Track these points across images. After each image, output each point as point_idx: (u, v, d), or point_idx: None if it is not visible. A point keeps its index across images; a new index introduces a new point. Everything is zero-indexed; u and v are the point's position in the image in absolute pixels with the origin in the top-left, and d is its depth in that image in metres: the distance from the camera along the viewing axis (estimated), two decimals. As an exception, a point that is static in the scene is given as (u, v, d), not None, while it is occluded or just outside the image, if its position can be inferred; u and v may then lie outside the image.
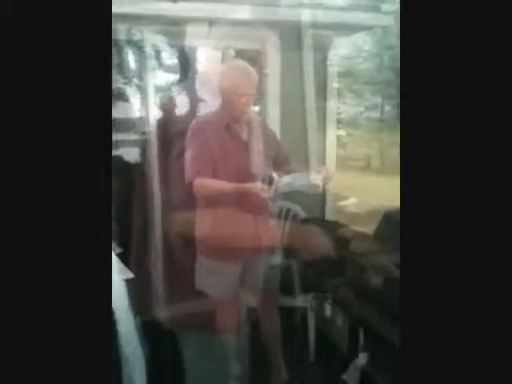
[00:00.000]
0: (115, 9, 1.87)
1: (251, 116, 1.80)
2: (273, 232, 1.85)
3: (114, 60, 2.92)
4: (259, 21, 2.32)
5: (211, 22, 2.23)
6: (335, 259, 2.00)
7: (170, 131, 2.59)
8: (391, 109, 10.95)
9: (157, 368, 1.39)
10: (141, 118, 2.59)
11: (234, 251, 1.79)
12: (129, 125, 3.03)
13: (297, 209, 2.40)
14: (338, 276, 2.01)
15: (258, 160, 1.75)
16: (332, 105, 2.84)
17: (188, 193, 1.75)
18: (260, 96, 2.53)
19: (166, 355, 1.87)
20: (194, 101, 3.35)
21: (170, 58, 3.37)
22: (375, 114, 11.32)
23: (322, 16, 2.42)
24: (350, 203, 5.66)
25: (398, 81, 0.84)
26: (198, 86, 3.24)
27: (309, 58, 2.64)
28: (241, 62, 1.74)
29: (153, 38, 2.39)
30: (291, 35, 2.54)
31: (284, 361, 2.06)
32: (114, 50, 2.84)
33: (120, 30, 2.20)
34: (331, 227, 2.28)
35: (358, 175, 7.58)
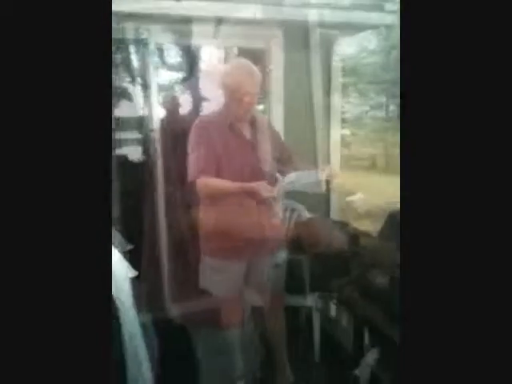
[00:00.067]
0: (121, 7, 1.89)
1: (255, 115, 1.80)
2: (277, 231, 1.84)
3: (118, 59, 2.93)
4: (263, 19, 2.32)
5: (218, 21, 2.22)
6: (341, 257, 2.00)
7: (174, 130, 2.59)
8: (396, 108, 10.90)
9: (162, 364, 1.39)
10: (144, 117, 2.59)
11: (238, 250, 1.78)
12: (132, 123, 3.04)
13: (301, 208, 2.39)
14: (343, 275, 2.00)
15: (261, 159, 1.75)
16: (336, 104, 2.83)
17: (192, 192, 1.75)
18: (264, 95, 2.52)
19: (171, 352, 1.87)
20: (198, 99, 3.36)
21: (173, 56, 3.38)
22: (380, 114, 11.29)
23: (326, 15, 2.41)
24: (357, 198, 5.65)
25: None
26: (201, 84, 3.25)
27: (313, 57, 2.64)
28: (244, 61, 1.73)
29: (157, 37, 2.39)
30: (295, 34, 2.54)
31: (289, 360, 2.05)
32: (118, 48, 2.85)
33: (125, 29, 2.20)
34: (336, 226, 2.27)
35: (362, 175, 7.56)
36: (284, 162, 1.80)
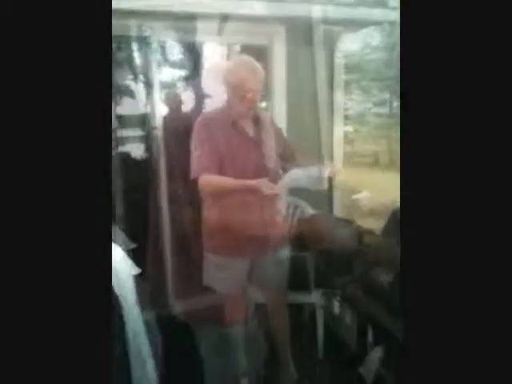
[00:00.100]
0: (123, 5, 1.88)
1: (258, 112, 1.79)
2: (280, 228, 1.84)
3: (121, 56, 2.92)
4: (266, 16, 2.31)
5: (221, 18, 2.22)
6: (345, 254, 1.99)
7: (177, 127, 2.59)
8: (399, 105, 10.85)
9: (166, 362, 1.40)
10: (147, 114, 2.59)
11: (241, 247, 1.78)
12: (135, 121, 3.04)
13: (304, 205, 2.39)
14: (347, 273, 2.00)
15: (264, 156, 1.74)
16: (339, 101, 2.82)
17: (195, 189, 1.75)
18: (266, 92, 2.52)
19: (175, 349, 1.88)
20: (201, 97, 3.35)
21: (176, 54, 3.36)
22: (383, 110, 11.24)
23: (329, 11, 2.40)
24: (363, 197, 5.64)
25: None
26: (204, 82, 3.24)
27: (316, 54, 2.62)
28: (247, 58, 1.73)
29: (159, 34, 2.38)
30: (298, 30, 2.53)
31: (292, 357, 2.05)
32: (120, 46, 2.84)
33: (127, 26, 2.20)
34: (340, 223, 2.26)
35: (365, 171, 7.53)
36: (287, 159, 1.80)
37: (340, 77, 2.77)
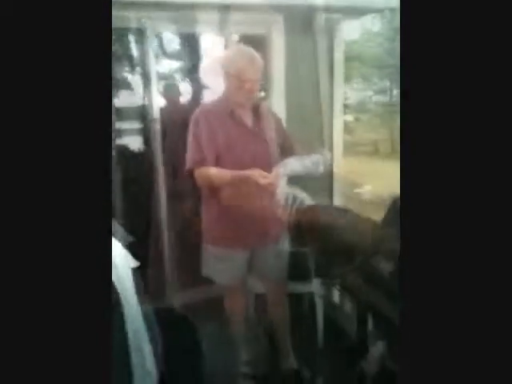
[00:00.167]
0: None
1: (257, 102, 1.78)
2: (279, 218, 1.84)
3: (118, 48, 2.90)
4: (263, 5, 2.28)
5: (219, 8, 2.19)
6: (344, 243, 1.99)
7: (175, 119, 2.58)
8: (400, 93, 10.79)
9: (166, 354, 1.40)
10: (145, 106, 2.58)
11: (240, 238, 1.79)
12: (133, 113, 3.03)
13: (303, 196, 2.38)
14: (346, 261, 2.00)
15: (263, 146, 1.74)
16: (339, 89, 2.80)
17: (193, 181, 1.75)
18: (265, 81, 2.50)
19: (175, 342, 1.89)
20: (199, 88, 3.33)
21: (173, 44, 3.34)
22: (384, 99, 11.19)
23: (328, -1, 2.37)
24: (366, 191, 5.66)
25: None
26: (201, 72, 3.21)
27: (315, 42, 2.60)
28: (245, 47, 1.71)
29: (156, 25, 2.36)
30: (296, 19, 2.50)
31: (292, 347, 2.06)
32: (117, 37, 2.82)
33: (124, 18, 2.18)
34: (340, 213, 2.26)
35: (366, 161, 7.52)
36: (286, 149, 1.79)
37: (340, 65, 2.74)
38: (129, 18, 2.19)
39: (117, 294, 1.10)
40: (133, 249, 1.32)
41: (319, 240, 2.02)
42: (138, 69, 2.98)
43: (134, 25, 2.29)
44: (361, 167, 6.23)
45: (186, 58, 3.34)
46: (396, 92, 10.84)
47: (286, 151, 1.78)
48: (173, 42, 3.29)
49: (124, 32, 2.71)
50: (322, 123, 2.69)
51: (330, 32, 2.67)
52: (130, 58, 3.02)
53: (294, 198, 2.38)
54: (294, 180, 1.81)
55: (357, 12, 2.81)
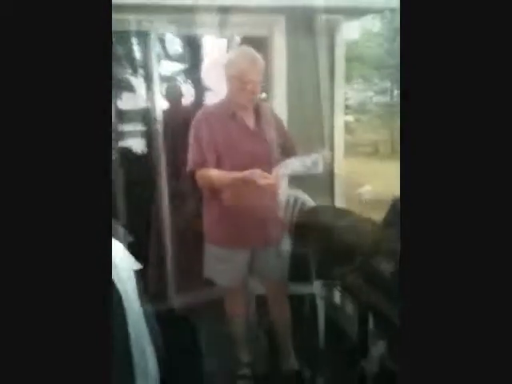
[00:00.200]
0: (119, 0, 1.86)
1: (258, 103, 1.79)
2: (281, 219, 1.84)
3: (120, 50, 2.91)
4: (265, 6, 2.28)
5: (220, 10, 2.19)
6: (345, 244, 2.00)
7: (177, 121, 2.58)
8: (401, 93, 10.76)
9: (167, 355, 1.41)
10: (147, 109, 2.58)
11: (241, 239, 1.79)
12: (135, 116, 3.03)
13: (305, 197, 2.39)
14: (347, 263, 2.00)
15: (265, 148, 1.74)
16: (340, 90, 2.80)
17: (195, 183, 1.76)
18: (267, 82, 2.50)
19: (177, 342, 1.89)
20: (201, 90, 3.33)
21: (175, 47, 3.34)
22: (384, 99, 11.18)
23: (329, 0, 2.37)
24: (365, 191, 5.67)
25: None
26: (204, 74, 3.21)
27: (316, 43, 2.60)
28: (247, 49, 1.71)
29: (158, 28, 2.36)
30: (298, 20, 2.50)
31: (293, 348, 2.07)
32: (119, 40, 2.82)
33: (126, 21, 2.18)
34: (341, 214, 2.26)
35: (366, 161, 7.52)
36: (287, 151, 1.80)
37: (340, 66, 2.74)
38: (131, 20, 2.20)
39: (119, 295, 1.10)
40: (135, 250, 1.33)
41: (320, 241, 2.02)
42: (140, 71, 2.97)
43: (136, 27, 2.29)
44: (361, 168, 6.23)
45: (189, 60, 3.35)
46: (396, 92, 10.83)
47: (288, 152, 1.79)
48: (175, 44, 3.30)
49: (126, 35, 2.71)
50: (322, 124, 2.69)
51: (331, 33, 2.67)
52: (132, 60, 3.03)
53: (296, 200, 2.38)
54: (295, 181, 1.81)
55: (357, 12, 2.81)
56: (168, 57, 3.31)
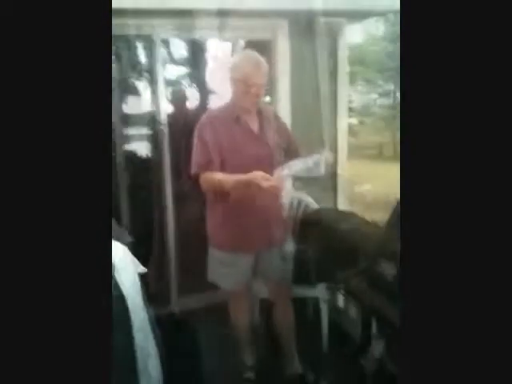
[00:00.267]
0: (126, 4, 1.87)
1: (262, 107, 1.79)
2: (285, 222, 1.84)
3: (126, 55, 2.93)
4: (268, 10, 2.29)
5: (224, 14, 2.20)
6: (349, 247, 1.99)
7: (182, 125, 2.60)
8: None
9: (171, 359, 1.41)
10: (152, 113, 2.59)
11: (245, 242, 1.79)
12: (140, 119, 3.05)
13: (308, 200, 2.39)
14: (351, 266, 2.00)
15: (268, 151, 1.74)
16: (343, 93, 2.80)
17: (197, 186, 1.76)
18: (270, 86, 2.51)
19: (179, 346, 1.89)
20: (205, 93, 3.34)
21: (180, 51, 3.36)
22: (388, 101, 11.17)
23: (332, 3, 2.38)
24: (365, 190, 5.67)
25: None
26: (208, 78, 3.23)
27: (320, 46, 2.61)
28: (250, 52, 1.72)
29: (163, 32, 2.38)
30: (301, 24, 2.51)
31: (297, 352, 2.06)
32: (124, 45, 2.84)
33: (131, 25, 2.20)
34: (344, 217, 2.26)
35: (370, 164, 7.51)
36: (291, 154, 1.80)
37: (344, 69, 2.75)
38: (136, 25, 2.21)
39: (123, 298, 1.11)
40: (138, 253, 1.33)
41: (323, 244, 2.02)
42: (145, 75, 2.99)
43: (141, 32, 2.31)
44: (365, 170, 6.22)
45: (193, 64, 3.36)
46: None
47: (292, 155, 1.79)
48: (180, 48, 3.31)
49: (132, 39, 2.73)
50: (325, 126, 2.70)
51: (334, 36, 2.68)
52: (137, 64, 3.05)
53: (299, 202, 2.39)
54: (299, 183, 1.81)
55: (360, 15, 2.82)
56: (173, 61, 3.33)
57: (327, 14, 2.46)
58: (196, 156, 1.72)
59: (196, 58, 3.29)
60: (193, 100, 3.30)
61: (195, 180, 1.75)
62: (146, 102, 2.98)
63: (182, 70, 3.48)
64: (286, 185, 1.64)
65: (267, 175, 1.55)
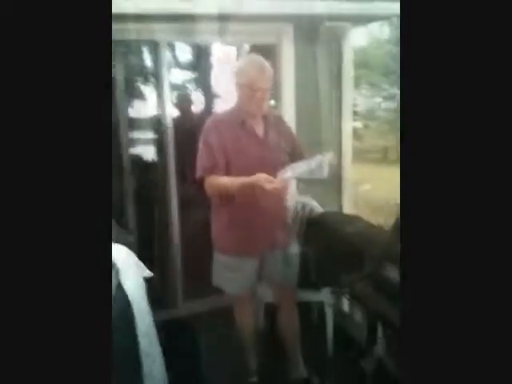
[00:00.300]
0: (131, 8, 1.89)
1: (267, 111, 1.80)
2: (289, 226, 1.84)
3: (132, 59, 2.95)
4: (273, 15, 2.30)
5: (229, 18, 2.21)
6: (354, 251, 1.99)
7: (187, 129, 2.60)
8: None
9: (175, 362, 1.41)
10: (158, 117, 2.61)
11: (250, 246, 1.79)
12: (146, 123, 3.06)
13: (313, 204, 2.38)
14: (356, 270, 1.99)
15: (273, 155, 1.75)
16: (348, 96, 2.80)
17: (202, 190, 1.76)
18: (275, 90, 2.52)
19: (184, 350, 1.89)
20: (211, 97, 3.36)
21: (185, 55, 3.38)
22: (392, 105, 11.14)
23: (336, 7, 2.38)
24: (365, 190, 5.68)
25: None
26: (213, 82, 3.24)
27: (324, 50, 2.61)
28: (255, 57, 1.73)
29: (168, 37, 2.39)
30: (306, 28, 2.52)
31: (302, 356, 2.06)
32: (130, 50, 2.86)
33: (137, 30, 2.21)
34: (349, 220, 2.26)
35: (375, 167, 7.49)
36: (296, 158, 1.80)
37: (348, 72, 2.75)
38: (141, 30, 2.23)
39: (128, 302, 1.11)
40: (144, 257, 1.34)
41: (328, 247, 2.02)
42: (151, 79, 3.01)
43: (147, 37, 2.32)
44: (370, 173, 6.20)
45: (198, 68, 3.38)
46: (405, 98, 10.76)
47: (297, 159, 1.79)
48: (186, 52, 3.33)
49: (137, 44, 2.75)
50: (330, 130, 2.70)
51: (339, 40, 2.68)
52: (143, 69, 3.07)
53: (304, 206, 2.38)
54: (303, 187, 1.81)
55: (364, 19, 2.82)
56: (178, 65, 3.35)
57: (332, 18, 2.47)
58: (201, 160, 1.73)
59: (201, 62, 3.30)
60: (198, 104, 3.31)
61: (200, 184, 1.75)
62: (151, 106, 2.99)
63: (188, 75, 3.50)
64: (290, 187, 1.64)
65: (271, 177, 1.55)
